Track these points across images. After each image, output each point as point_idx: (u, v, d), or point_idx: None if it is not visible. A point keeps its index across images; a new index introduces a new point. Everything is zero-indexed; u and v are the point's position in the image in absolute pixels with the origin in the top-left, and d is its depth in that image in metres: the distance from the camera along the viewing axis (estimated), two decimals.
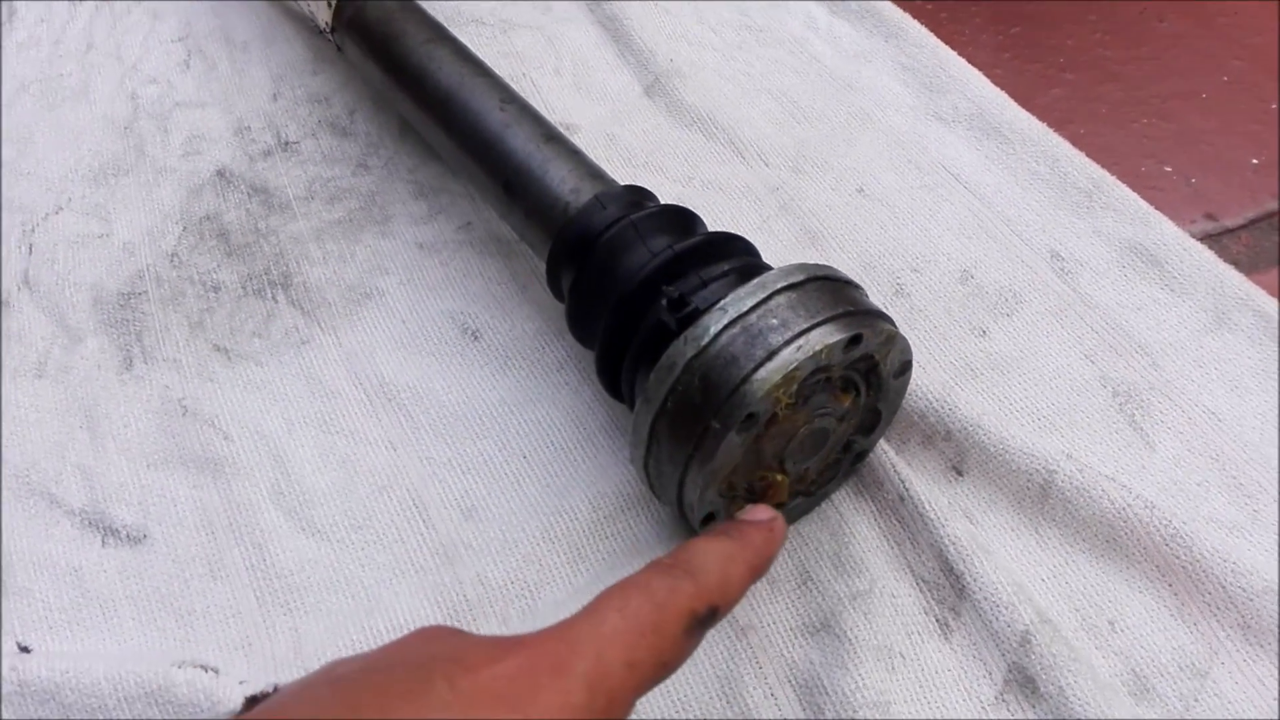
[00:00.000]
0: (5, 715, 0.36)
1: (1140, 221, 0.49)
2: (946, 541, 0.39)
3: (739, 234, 0.41)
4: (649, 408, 0.35)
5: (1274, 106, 0.57)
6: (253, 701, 0.36)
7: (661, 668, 0.28)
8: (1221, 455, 0.41)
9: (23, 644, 0.39)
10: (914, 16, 0.60)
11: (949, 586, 0.38)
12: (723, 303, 0.35)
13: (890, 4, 0.61)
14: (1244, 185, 0.54)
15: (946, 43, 0.59)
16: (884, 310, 0.37)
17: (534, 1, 0.65)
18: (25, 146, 0.58)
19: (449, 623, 0.39)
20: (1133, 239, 0.48)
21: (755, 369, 0.34)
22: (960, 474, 0.42)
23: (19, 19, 0.66)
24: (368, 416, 0.46)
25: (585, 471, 0.43)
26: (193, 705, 0.36)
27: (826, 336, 0.34)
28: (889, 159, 0.54)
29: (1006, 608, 0.37)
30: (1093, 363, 0.44)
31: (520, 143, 0.46)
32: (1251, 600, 0.37)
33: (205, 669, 0.37)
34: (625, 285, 0.39)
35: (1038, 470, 0.40)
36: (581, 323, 0.43)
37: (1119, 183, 0.51)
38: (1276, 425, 0.42)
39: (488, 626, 0.39)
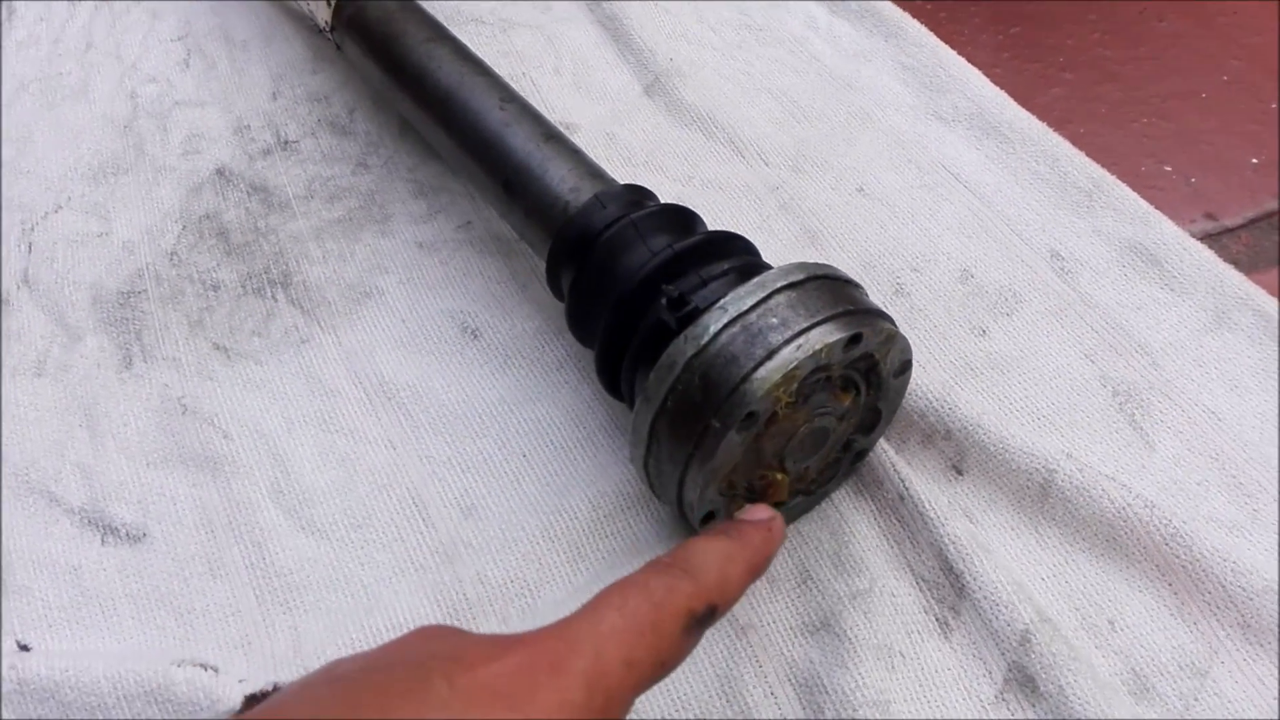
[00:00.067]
0: (5, 714, 0.36)
1: (1140, 221, 0.49)
2: (946, 540, 0.39)
3: (739, 233, 0.41)
4: (649, 406, 0.35)
5: (1274, 106, 0.57)
6: (252, 700, 0.36)
7: (660, 666, 0.28)
8: (1221, 455, 0.41)
9: (22, 642, 0.39)
10: (914, 16, 0.60)
11: (949, 585, 0.38)
12: (723, 302, 0.35)
13: (890, 4, 0.61)
14: (1244, 185, 0.54)
15: (946, 42, 0.59)
16: (884, 309, 0.37)
17: (533, 1, 0.65)
18: (25, 145, 0.58)
19: (448, 621, 0.39)
20: (1133, 238, 0.48)
21: (755, 368, 0.34)
22: (960, 473, 0.42)
23: (18, 18, 0.66)
24: (367, 415, 0.46)
25: (585, 470, 0.43)
26: (192, 704, 0.36)
27: (826, 335, 0.34)
28: (889, 158, 0.54)
29: (1006, 607, 0.37)
30: (1093, 362, 0.44)
31: (520, 142, 0.46)
32: (1251, 600, 0.37)
33: (205, 667, 0.37)
34: (625, 284, 0.39)
35: (1038, 469, 0.40)
36: (581, 322, 0.43)
37: (1119, 182, 0.51)
38: (1276, 425, 0.42)
39: (487, 625, 0.39)
